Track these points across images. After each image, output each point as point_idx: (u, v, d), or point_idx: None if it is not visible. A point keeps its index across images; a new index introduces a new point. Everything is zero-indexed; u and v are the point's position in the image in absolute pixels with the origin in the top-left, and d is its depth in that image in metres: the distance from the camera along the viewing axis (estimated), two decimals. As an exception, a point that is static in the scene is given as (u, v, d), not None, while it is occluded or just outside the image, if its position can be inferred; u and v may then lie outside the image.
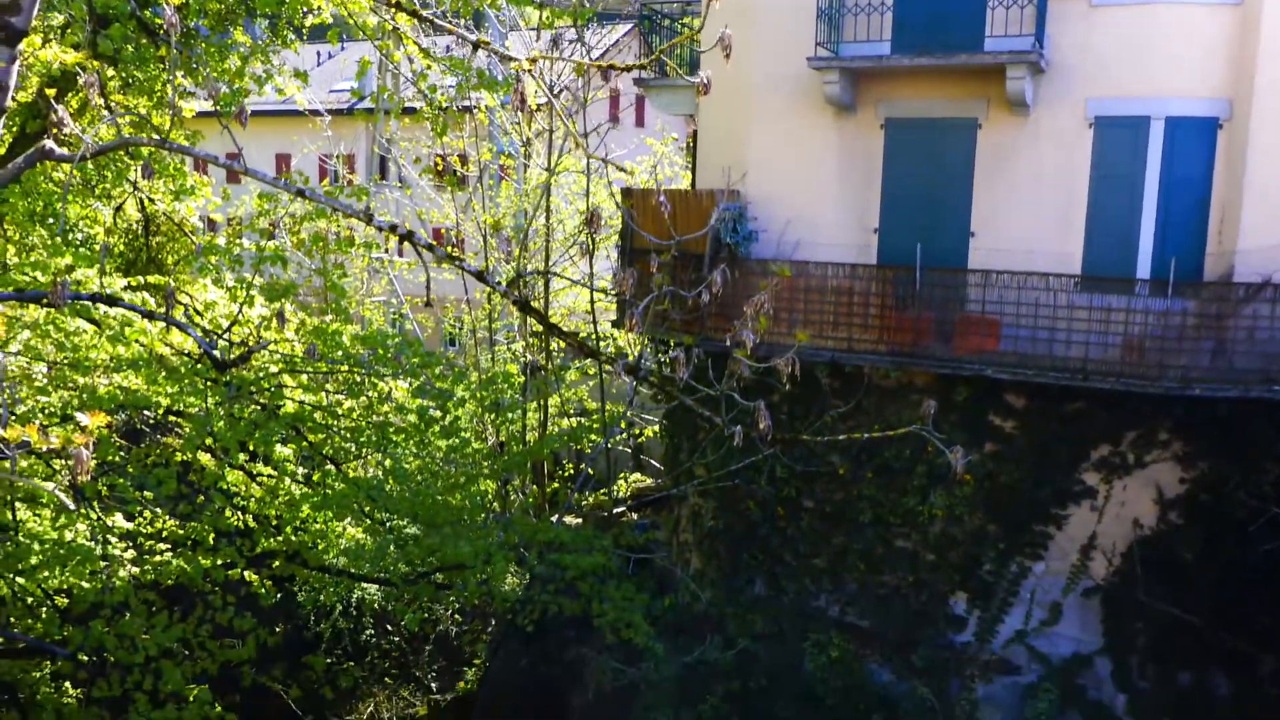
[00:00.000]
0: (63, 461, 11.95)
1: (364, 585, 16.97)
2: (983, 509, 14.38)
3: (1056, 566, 14.34)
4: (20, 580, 11.58)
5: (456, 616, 22.64)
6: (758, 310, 5.47)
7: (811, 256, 15.00)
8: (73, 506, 5.58)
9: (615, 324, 17.25)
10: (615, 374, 6.68)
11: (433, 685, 23.41)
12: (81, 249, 11.63)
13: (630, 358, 18.16)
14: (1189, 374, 12.76)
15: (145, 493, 13.25)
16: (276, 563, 12.94)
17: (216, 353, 10.05)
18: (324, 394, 13.23)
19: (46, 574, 11.09)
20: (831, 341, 14.57)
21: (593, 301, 20.67)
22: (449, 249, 8.91)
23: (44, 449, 4.72)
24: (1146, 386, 12.83)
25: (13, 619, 11.83)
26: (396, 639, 23.10)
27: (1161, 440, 13.73)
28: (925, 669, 14.60)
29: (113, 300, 9.10)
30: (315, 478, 13.48)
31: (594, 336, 20.48)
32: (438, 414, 13.52)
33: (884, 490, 14.96)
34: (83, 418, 4.14)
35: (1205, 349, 12.90)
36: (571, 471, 24.26)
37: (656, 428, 22.19)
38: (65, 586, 11.76)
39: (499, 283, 6.93)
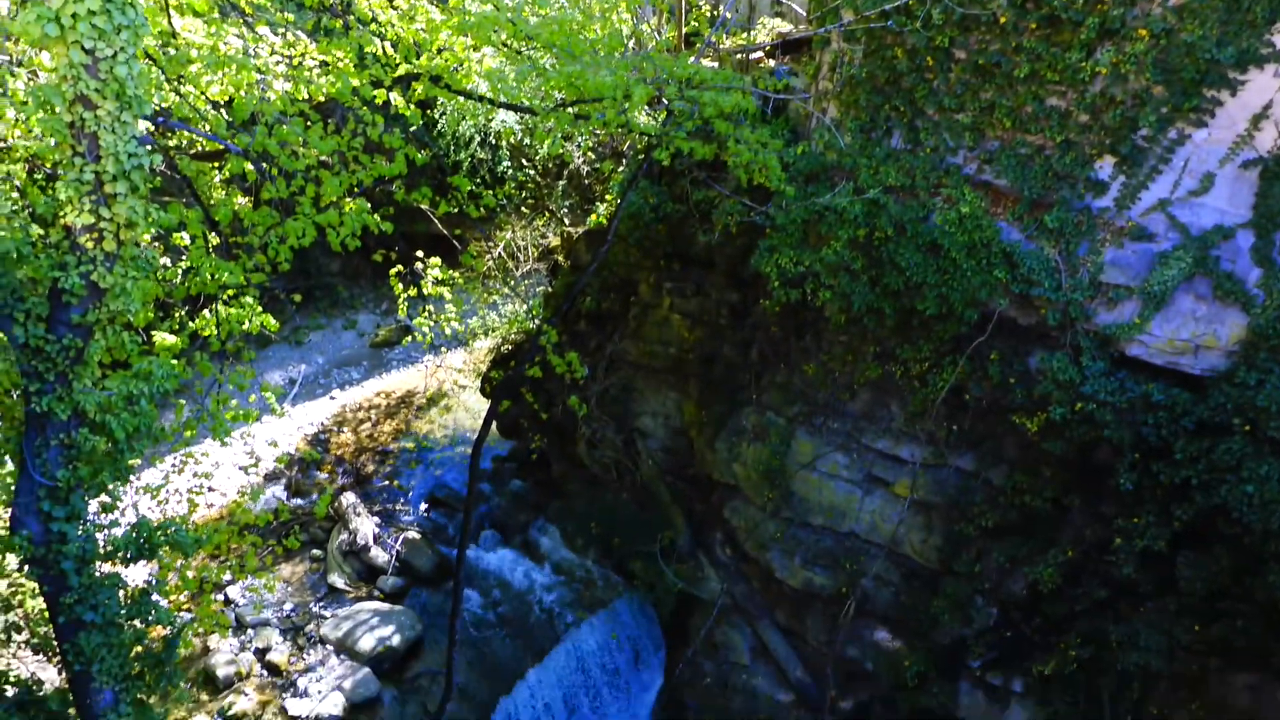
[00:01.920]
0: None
1: (503, 117, 17.30)
2: (1152, 68, 13.37)
3: (1219, 135, 13.54)
4: (184, 89, 12.10)
5: (590, 155, 23.14)
6: None
7: None
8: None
9: None
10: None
11: (565, 219, 24.58)
12: None
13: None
14: None
15: (287, 15, 13.28)
16: (419, 85, 13.12)
17: None
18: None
19: (208, 79, 11.54)
20: None
21: None
22: None
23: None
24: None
25: (181, 126, 12.52)
26: (532, 172, 23.92)
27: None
28: (1056, 229, 14.54)
29: None
30: (453, 2, 13.21)
31: None
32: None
33: (1046, 43, 13.96)
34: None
35: None
36: (709, 14, 23.19)
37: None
38: (225, 99, 12.25)
39: None
